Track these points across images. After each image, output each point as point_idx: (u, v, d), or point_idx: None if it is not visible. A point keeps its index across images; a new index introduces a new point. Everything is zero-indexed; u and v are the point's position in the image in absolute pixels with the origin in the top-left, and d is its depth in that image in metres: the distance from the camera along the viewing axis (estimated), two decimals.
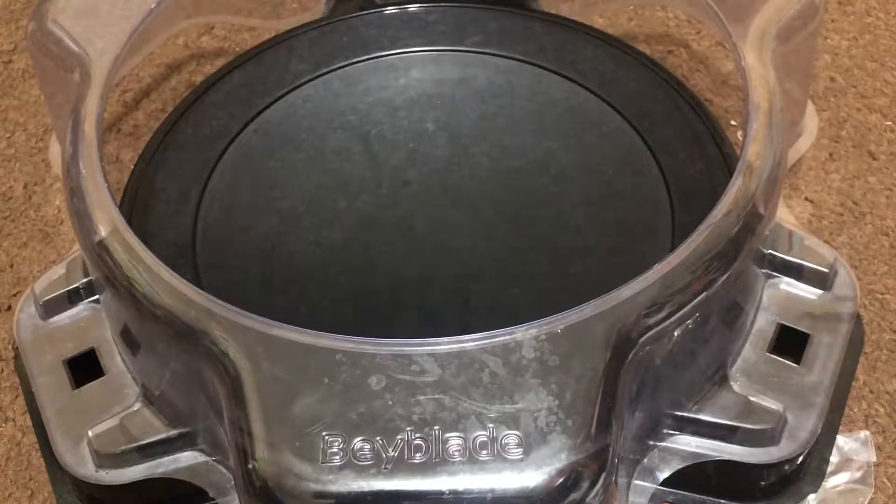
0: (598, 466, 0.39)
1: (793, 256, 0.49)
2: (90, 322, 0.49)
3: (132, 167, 0.54)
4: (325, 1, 0.62)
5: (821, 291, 0.49)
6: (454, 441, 0.39)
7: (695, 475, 0.45)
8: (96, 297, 0.49)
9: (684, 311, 0.42)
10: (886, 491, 0.48)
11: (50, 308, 0.49)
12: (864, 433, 0.49)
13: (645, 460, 0.45)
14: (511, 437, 0.39)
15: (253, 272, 0.49)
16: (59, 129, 0.54)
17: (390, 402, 0.39)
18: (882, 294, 0.54)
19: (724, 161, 0.51)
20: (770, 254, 0.48)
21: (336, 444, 0.39)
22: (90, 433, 0.45)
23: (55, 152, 0.57)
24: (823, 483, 0.47)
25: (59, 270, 0.50)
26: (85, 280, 0.49)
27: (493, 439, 0.39)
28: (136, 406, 0.46)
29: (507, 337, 0.40)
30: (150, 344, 0.45)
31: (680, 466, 0.45)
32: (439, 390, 0.40)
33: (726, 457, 0.45)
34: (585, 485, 0.39)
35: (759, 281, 0.48)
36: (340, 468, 0.38)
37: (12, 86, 0.65)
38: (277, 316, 0.41)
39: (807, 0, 0.51)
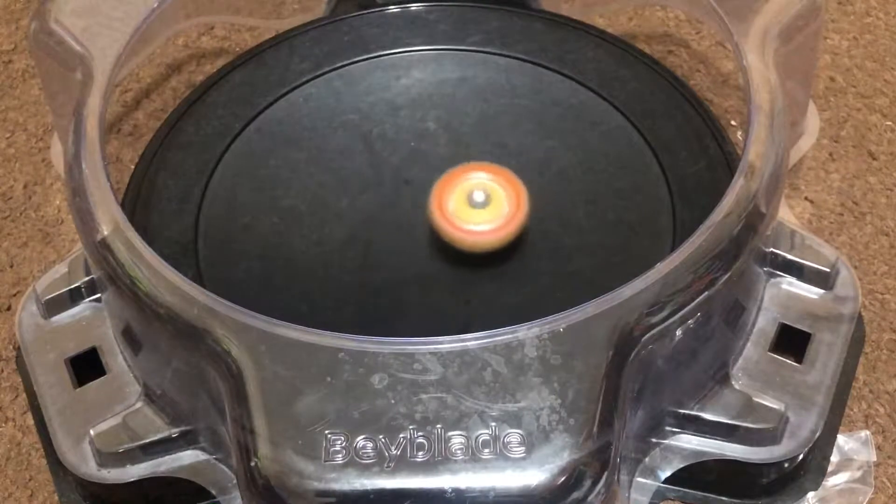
0: (601, 465, 0.39)
1: (794, 256, 0.49)
2: (92, 321, 0.49)
3: (133, 167, 0.54)
4: (327, 1, 0.62)
5: (822, 291, 0.49)
6: (456, 440, 0.39)
7: (696, 473, 0.45)
8: (98, 295, 0.49)
9: (686, 310, 0.42)
10: (886, 491, 0.48)
11: (52, 307, 0.49)
12: (864, 433, 0.49)
13: (647, 459, 0.45)
14: (513, 435, 0.39)
15: (255, 271, 0.49)
16: (61, 128, 0.54)
17: (393, 401, 0.39)
18: (882, 294, 0.54)
19: (726, 159, 0.51)
20: (772, 253, 0.48)
21: (338, 442, 0.39)
22: (92, 432, 0.45)
23: (57, 151, 0.57)
24: (824, 482, 0.47)
25: (60, 269, 0.50)
26: (87, 279, 0.49)
27: (496, 438, 0.39)
28: (138, 405, 0.46)
29: (510, 336, 0.41)
30: (152, 342, 0.45)
31: (682, 465, 0.45)
32: (442, 389, 0.40)
33: (728, 455, 0.45)
34: (587, 483, 0.39)
35: (760, 280, 0.48)
36: (343, 466, 0.38)
37: (12, 86, 0.65)
38: (279, 314, 0.41)
39: (808, 0, 0.51)
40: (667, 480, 0.45)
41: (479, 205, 0.48)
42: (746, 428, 0.45)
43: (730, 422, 0.45)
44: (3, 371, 0.53)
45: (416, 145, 0.53)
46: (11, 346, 0.54)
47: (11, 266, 0.57)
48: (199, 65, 0.66)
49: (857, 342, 0.50)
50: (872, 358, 0.52)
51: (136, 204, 0.51)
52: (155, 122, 0.62)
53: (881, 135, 0.60)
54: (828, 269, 0.49)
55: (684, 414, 0.45)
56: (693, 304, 0.42)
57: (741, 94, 0.62)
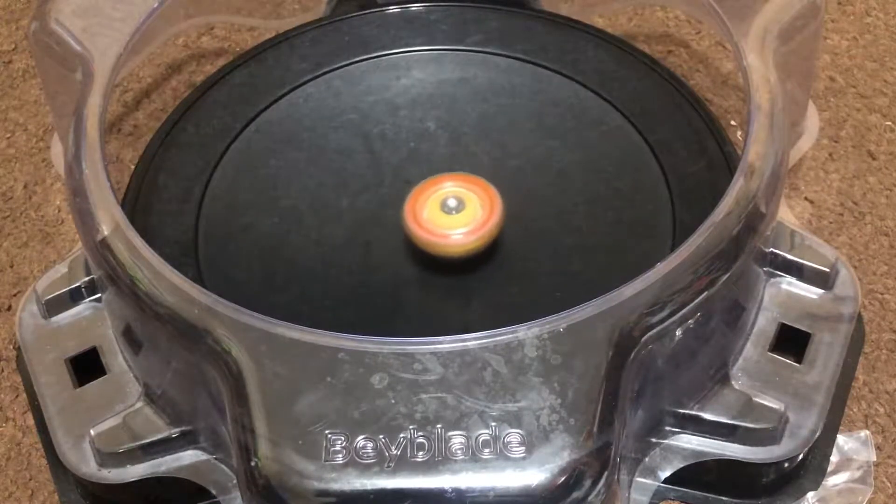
0: (601, 465, 0.39)
1: (794, 256, 0.49)
2: (92, 321, 0.49)
3: (133, 167, 0.54)
4: (327, 1, 0.62)
5: (822, 291, 0.49)
6: (457, 439, 0.39)
7: (696, 472, 0.45)
8: (98, 295, 0.49)
9: (686, 310, 0.42)
10: (886, 491, 0.48)
11: (52, 307, 0.49)
12: (864, 433, 0.49)
13: (647, 459, 0.45)
14: (513, 435, 0.39)
15: (255, 271, 0.49)
16: (61, 128, 0.54)
17: (393, 401, 0.39)
18: (882, 294, 0.54)
19: (725, 159, 0.51)
20: (771, 253, 0.48)
21: (339, 442, 0.39)
22: (92, 432, 0.45)
23: (57, 151, 0.57)
24: (823, 482, 0.47)
25: (60, 269, 0.50)
26: (87, 279, 0.49)
27: (496, 438, 0.39)
28: (138, 405, 0.46)
29: (510, 336, 0.41)
30: (152, 342, 0.45)
31: (682, 465, 0.45)
32: (442, 389, 0.40)
33: (728, 455, 0.45)
34: (587, 483, 0.39)
35: (760, 280, 0.48)
36: (343, 466, 0.38)
37: (12, 86, 0.65)
38: (280, 314, 0.41)
39: (808, 0, 0.51)
40: (667, 480, 0.45)
41: (453, 210, 0.47)
42: (746, 428, 0.45)
43: (730, 422, 0.45)
44: (3, 371, 0.53)
45: (416, 145, 0.53)
46: (11, 346, 0.54)
47: (11, 266, 0.57)
48: (199, 65, 0.66)
49: (856, 342, 0.50)
50: (872, 358, 0.52)
51: (136, 204, 0.51)
52: (155, 122, 0.62)
53: (881, 135, 0.60)
54: (827, 269, 0.49)
55: (684, 414, 0.45)
56: (693, 305, 0.42)
57: (741, 94, 0.62)
